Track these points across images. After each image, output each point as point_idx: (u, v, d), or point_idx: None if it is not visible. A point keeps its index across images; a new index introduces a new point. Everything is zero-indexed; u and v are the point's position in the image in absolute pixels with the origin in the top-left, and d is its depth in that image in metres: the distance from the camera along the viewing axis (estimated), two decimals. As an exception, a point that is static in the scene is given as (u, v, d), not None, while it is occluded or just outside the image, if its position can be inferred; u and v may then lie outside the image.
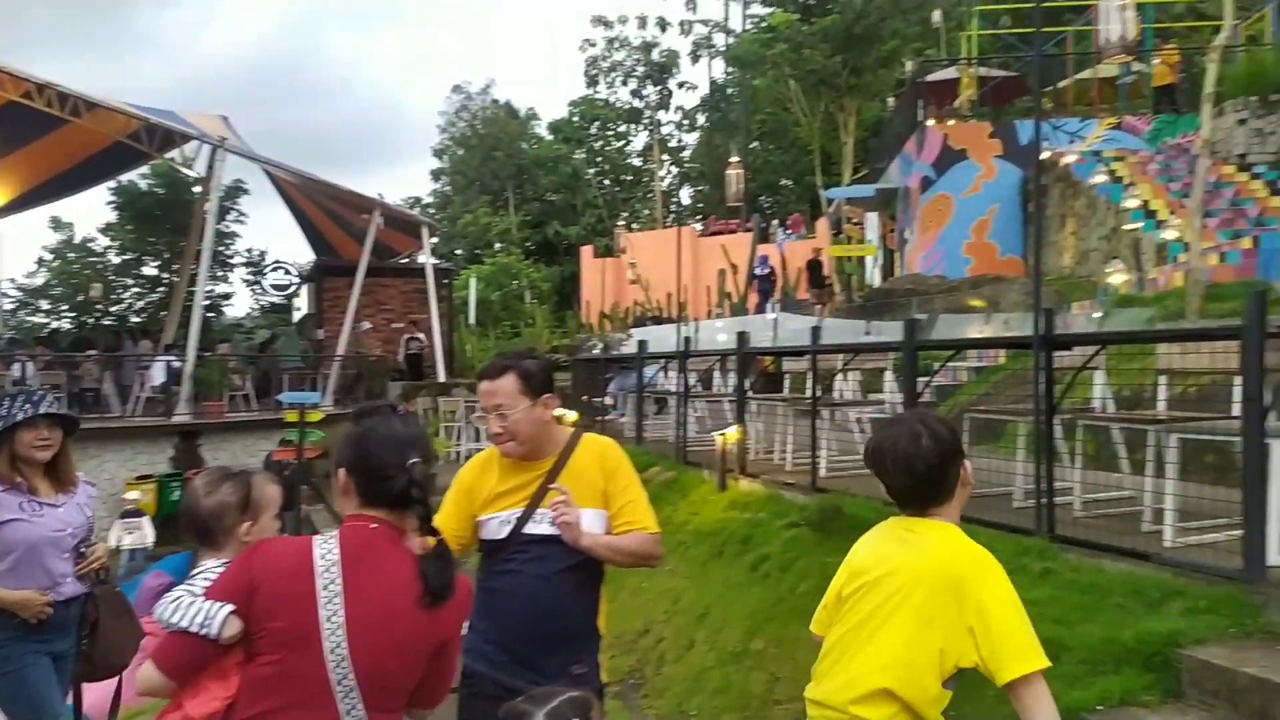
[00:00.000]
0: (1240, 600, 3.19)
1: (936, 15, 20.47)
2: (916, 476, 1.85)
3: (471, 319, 24.00)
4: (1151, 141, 15.64)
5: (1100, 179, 13.86)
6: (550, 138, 41.02)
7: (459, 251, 37.57)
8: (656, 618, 5.76)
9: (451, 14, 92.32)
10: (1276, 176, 12.77)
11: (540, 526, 2.40)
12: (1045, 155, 15.59)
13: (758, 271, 21.91)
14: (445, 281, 22.07)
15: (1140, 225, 12.29)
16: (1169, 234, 11.37)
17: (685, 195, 42.08)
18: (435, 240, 26.00)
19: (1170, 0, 21.09)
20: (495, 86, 53.40)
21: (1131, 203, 12.83)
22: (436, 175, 43.56)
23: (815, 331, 6.63)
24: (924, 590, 1.79)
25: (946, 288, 15.21)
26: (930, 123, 17.52)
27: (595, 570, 2.47)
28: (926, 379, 10.64)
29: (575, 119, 40.85)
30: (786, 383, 10.40)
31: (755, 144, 35.73)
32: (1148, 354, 5.08)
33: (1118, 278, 11.16)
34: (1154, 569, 3.54)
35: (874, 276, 21.97)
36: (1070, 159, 14.86)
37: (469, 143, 40.64)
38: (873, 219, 22.25)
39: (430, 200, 42.68)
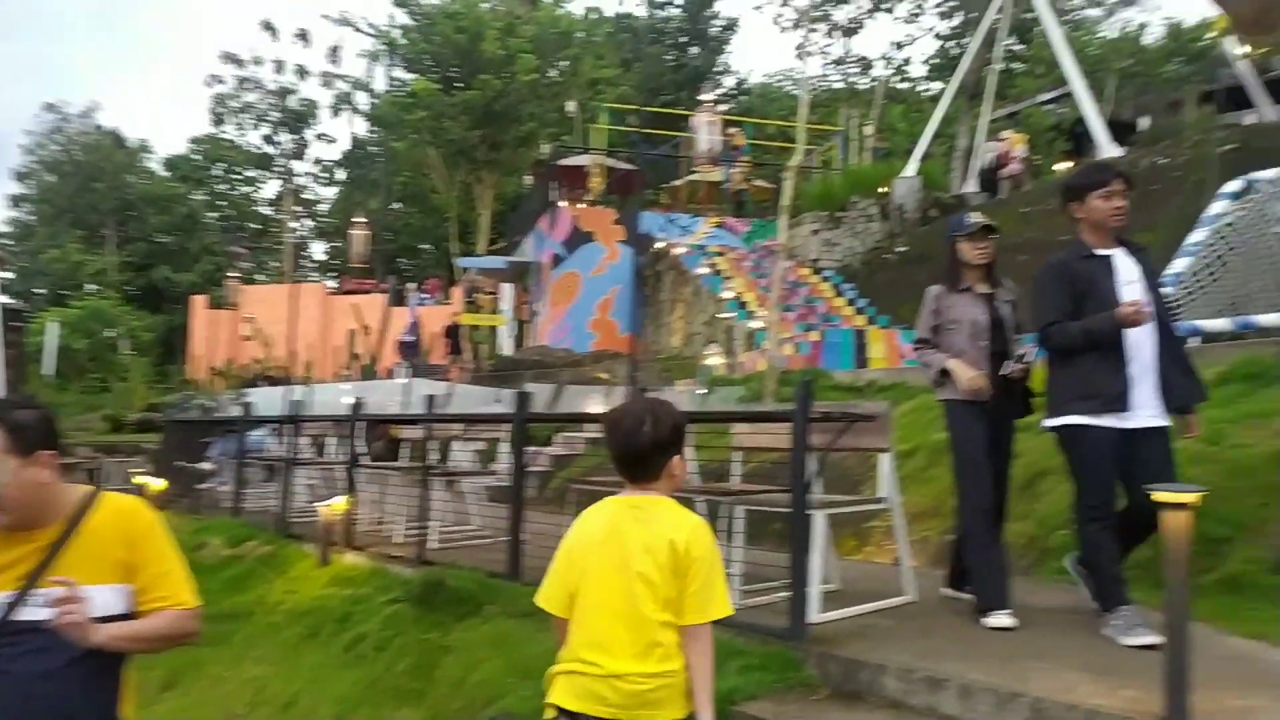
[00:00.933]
0: (786, 657, 3.56)
1: (571, 105, 21.82)
2: (633, 454, 2.14)
3: (48, 368, 20.72)
4: (747, 241, 17.77)
5: (704, 270, 15.43)
6: (165, 174, 37.29)
7: (40, 290, 32.52)
8: (237, 710, 5.19)
9: (50, 21, 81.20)
10: (841, 280, 15.11)
11: (39, 612, 2.02)
12: (660, 245, 17.12)
13: (406, 337, 21.38)
14: (16, 324, 18.90)
15: (734, 314, 13.82)
16: (756, 324, 12.89)
17: (320, 250, 40.30)
18: (10, 275, 22.26)
19: (759, 122, 24.41)
20: (100, 111, 47.64)
21: (728, 294, 14.42)
22: (17, 201, 37.64)
23: (430, 400, 6.53)
24: (643, 549, 2.07)
25: (572, 360, 15.91)
26: (563, 204, 18.47)
27: (114, 656, 2.12)
28: (545, 448, 10.94)
29: (196, 157, 37.59)
30: (407, 451, 10.13)
31: (398, 205, 35.29)
32: (724, 433, 5.62)
33: (715, 360, 12.40)
34: (718, 630, 3.85)
35: (506, 346, 22.45)
36: (681, 250, 16.40)
37: (63, 169, 35.71)
38: (508, 290, 22.82)
39: (6, 229, 36.70)
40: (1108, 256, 3.67)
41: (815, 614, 3.78)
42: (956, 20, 22.54)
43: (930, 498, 6.06)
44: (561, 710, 2.09)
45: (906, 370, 9.09)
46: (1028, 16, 17.87)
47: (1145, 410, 3.53)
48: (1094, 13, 28.78)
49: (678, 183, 20.19)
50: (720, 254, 16.20)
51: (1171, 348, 3.61)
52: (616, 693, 2.03)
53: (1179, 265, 8.57)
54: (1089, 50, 27.86)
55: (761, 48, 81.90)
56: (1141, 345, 3.52)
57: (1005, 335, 4.06)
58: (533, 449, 10.90)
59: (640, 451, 2.15)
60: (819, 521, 3.99)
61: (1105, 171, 3.75)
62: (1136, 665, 3.09)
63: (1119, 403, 3.50)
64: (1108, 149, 13.28)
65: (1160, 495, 2.60)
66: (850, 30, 21.17)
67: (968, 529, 4.06)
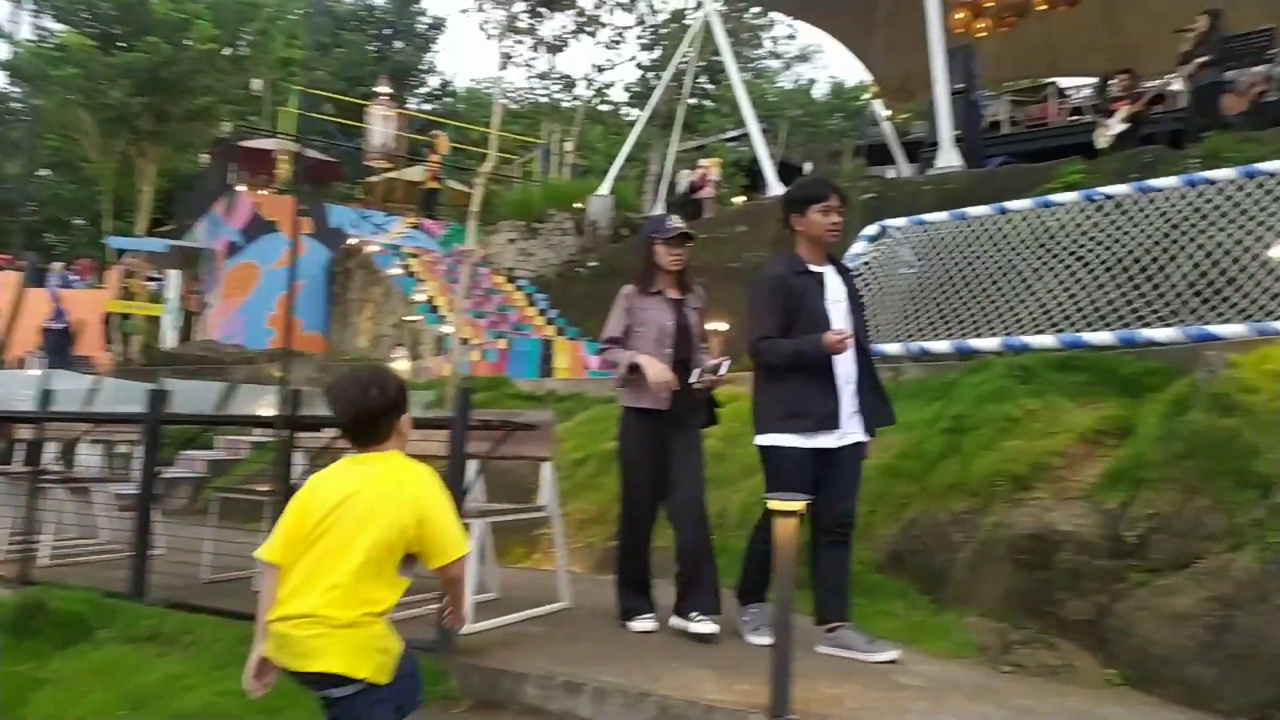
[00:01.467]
0: (432, 670, 3.46)
1: (257, 83, 20.27)
2: (364, 418, 2.25)
3: None
4: (444, 245, 17.48)
5: (396, 271, 14.94)
6: None
7: None
8: None
9: None
10: (534, 290, 15.29)
11: None
12: (351, 242, 16.35)
13: (53, 324, 18.49)
14: None
15: (424, 318, 13.50)
16: (446, 329, 12.68)
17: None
18: None
19: (464, 126, 24.21)
20: None
21: (420, 297, 14.06)
22: None
23: (47, 395, 5.68)
24: (380, 502, 2.17)
25: (243, 357, 14.70)
26: (243, 188, 17.07)
27: None
28: (204, 453, 9.96)
29: None
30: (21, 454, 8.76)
31: (46, 171, 30.76)
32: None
33: (401, 363, 12.01)
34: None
35: (170, 338, 20.29)
36: (373, 249, 15.76)
37: None
38: (175, 277, 20.65)
39: None
40: (820, 273, 3.73)
41: (467, 624, 3.72)
42: (657, 53, 23.77)
43: (598, 504, 6.24)
44: (265, 660, 2.19)
45: (588, 381, 9.35)
46: (718, 59, 19.27)
47: (849, 429, 3.65)
48: (774, 64, 31.70)
49: (374, 179, 19.43)
50: (415, 256, 15.77)
51: (870, 371, 3.75)
52: (307, 639, 2.09)
53: (826, 296, 9.58)
54: (767, 97, 30.67)
55: (471, 52, 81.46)
56: (847, 366, 3.63)
57: (690, 343, 4.08)
58: (190, 453, 9.90)
59: (371, 415, 2.27)
60: (476, 530, 3.94)
61: (825, 187, 3.78)
62: (758, 663, 3.32)
63: (829, 422, 3.58)
64: (776, 188, 14.61)
65: (772, 503, 2.83)
66: (555, 47, 21.58)
67: (621, 533, 4.13)
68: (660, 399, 3.91)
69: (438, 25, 36.58)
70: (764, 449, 3.70)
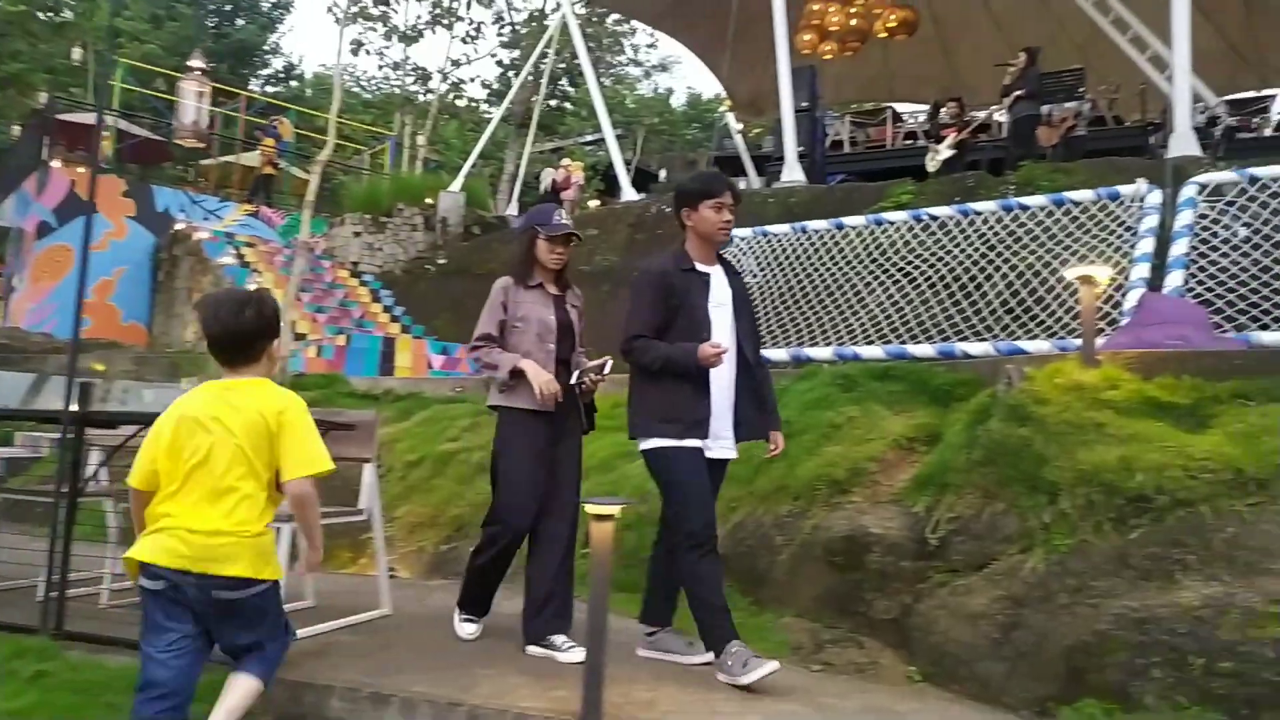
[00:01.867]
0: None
1: (77, 52, 18.80)
2: (239, 338, 2.45)
3: None
4: (284, 235, 16.69)
5: (229, 260, 14.15)
6: None
7: None
8: None
9: None
10: (380, 286, 14.80)
11: None
12: (180, 227, 15.37)
13: None
14: None
15: (259, 311, 12.83)
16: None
17: None
18: None
19: (311, 113, 23.25)
20: None
21: (252, 287, 13.35)
22: None
23: None
24: (256, 422, 2.44)
25: (52, 347, 13.55)
26: (57, 164, 15.76)
27: None
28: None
29: None
30: None
31: None
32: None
33: (229, 358, 11.35)
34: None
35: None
36: (203, 235, 14.88)
37: None
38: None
39: None
40: (706, 274, 3.53)
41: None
42: (517, 52, 23.57)
43: (431, 507, 6.07)
44: (141, 564, 2.41)
45: (428, 381, 9.11)
46: (580, 62, 19.32)
47: (720, 441, 3.45)
48: (634, 71, 32.04)
49: (208, 162, 18.36)
50: (250, 245, 14.99)
51: (750, 379, 3.53)
52: (189, 545, 2.39)
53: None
54: (626, 103, 30.96)
55: (322, 36, 78.44)
56: (720, 375, 3.41)
57: (573, 341, 3.83)
58: (-24, 450, 9.02)
59: (245, 335, 2.44)
60: (285, 535, 3.74)
61: (720, 183, 3.56)
62: (576, 669, 3.28)
63: (699, 429, 3.37)
64: (629, 193, 14.74)
65: (589, 507, 2.80)
66: (410, 37, 21.02)
67: (487, 537, 3.74)
68: (545, 403, 3.64)
69: (284, 4, 35.03)
70: (648, 454, 3.47)
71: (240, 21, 33.53)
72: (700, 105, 32.36)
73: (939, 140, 11.99)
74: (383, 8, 20.27)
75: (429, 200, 15.83)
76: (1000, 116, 12.58)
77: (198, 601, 2.42)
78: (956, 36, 18.17)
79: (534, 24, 22.17)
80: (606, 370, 3.69)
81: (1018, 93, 11.34)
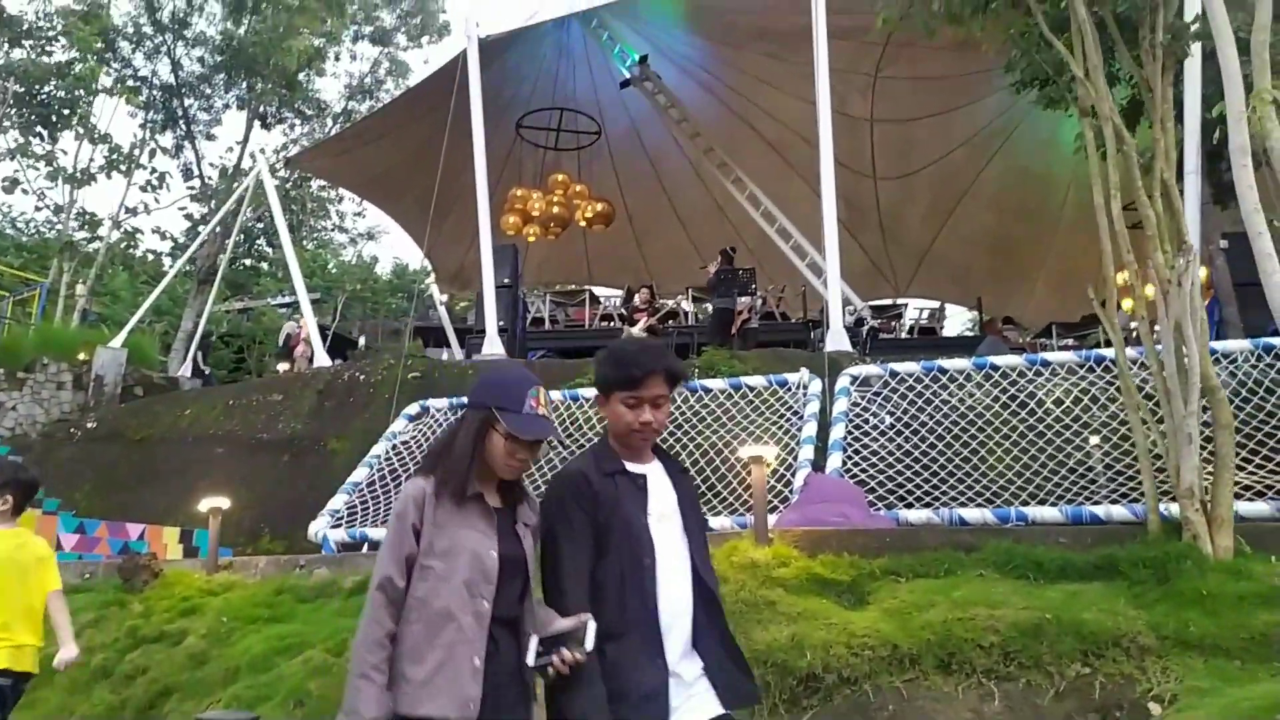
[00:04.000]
0: None
1: None
2: (28, 494, 4.30)
3: None
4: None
5: None
6: None
7: None
8: None
9: None
10: (7, 451, 12.64)
11: None
12: None
13: None
14: None
15: None
16: None
17: None
18: None
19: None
20: None
21: None
22: None
23: None
24: (28, 557, 4.09)
25: None
26: None
27: None
28: None
29: None
30: None
31: None
32: None
33: None
34: None
35: None
36: None
37: None
38: None
39: None
40: (641, 475, 2.52)
41: None
42: (208, 208, 22.36)
43: (29, 728, 4.93)
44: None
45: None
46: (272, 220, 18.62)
47: (690, 706, 2.32)
48: (340, 236, 31.54)
49: None
50: None
51: (711, 615, 2.46)
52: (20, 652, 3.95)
53: (359, 474, 9.12)
54: (328, 268, 30.24)
55: (-18, 173, 70.45)
56: (679, 608, 2.40)
57: (523, 586, 2.44)
58: None
59: (34, 490, 4.25)
60: None
61: (639, 367, 2.48)
62: None
63: (653, 705, 2.28)
64: (321, 358, 14.05)
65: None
66: (78, 180, 19.24)
67: None
68: (466, 708, 2.22)
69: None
70: None
71: None
72: (406, 275, 32.32)
73: (632, 323, 12.67)
74: (48, 146, 18.50)
75: (82, 356, 14.06)
76: (687, 305, 13.62)
77: None
78: (648, 231, 19.77)
79: (227, 180, 21.26)
80: (588, 640, 2.21)
81: (714, 286, 12.39)
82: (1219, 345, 7.53)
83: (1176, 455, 3.90)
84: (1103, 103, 4.24)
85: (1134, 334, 5.58)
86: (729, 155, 15.94)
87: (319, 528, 8.23)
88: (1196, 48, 6.84)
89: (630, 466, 2.53)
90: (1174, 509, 4.31)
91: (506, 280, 13.39)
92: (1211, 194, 9.68)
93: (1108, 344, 11.98)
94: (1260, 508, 5.53)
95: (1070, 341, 13.49)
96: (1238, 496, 4.72)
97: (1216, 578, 3.49)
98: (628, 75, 15.88)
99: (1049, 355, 8.96)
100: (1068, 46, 4.55)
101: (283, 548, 8.89)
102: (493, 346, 12.44)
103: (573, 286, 20.31)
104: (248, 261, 28.69)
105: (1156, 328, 4.45)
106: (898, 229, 18.42)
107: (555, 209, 17.21)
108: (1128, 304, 7.66)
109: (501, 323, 12.79)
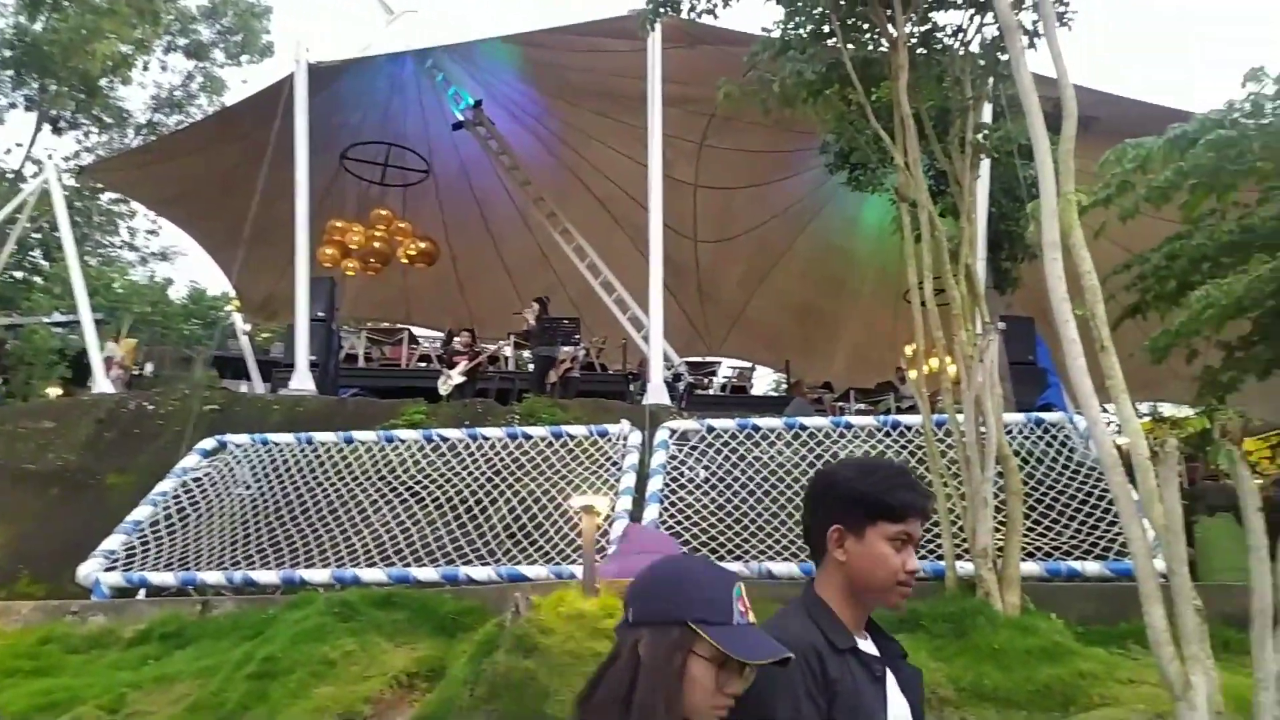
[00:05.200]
0: None
1: None
2: None
3: None
4: None
5: None
6: None
7: None
8: None
9: None
10: None
11: None
12: None
13: None
14: None
15: None
16: None
17: None
18: None
19: None
20: None
21: None
22: None
23: None
24: None
25: None
26: None
27: None
28: None
29: None
30: None
31: None
32: None
33: None
34: None
35: None
36: None
37: None
38: None
39: None
40: (879, 661, 1.79)
41: None
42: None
43: None
44: None
45: None
46: (58, 234, 16.94)
47: None
48: (129, 255, 29.12)
49: None
50: None
51: None
52: None
53: (141, 512, 8.36)
54: (114, 287, 27.83)
55: None
56: None
57: None
58: None
59: None
60: None
61: (909, 491, 1.75)
62: None
63: None
64: (102, 384, 12.88)
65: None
66: None
67: None
68: None
69: None
70: None
71: None
72: (204, 300, 30.21)
73: (451, 365, 12.42)
74: None
75: None
76: (508, 351, 13.50)
77: None
78: (472, 274, 19.53)
79: (6, 184, 19.27)
80: None
81: (532, 333, 12.35)
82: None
83: (973, 517, 4.24)
84: (920, 191, 4.64)
85: (931, 404, 6.06)
86: (558, 206, 16.09)
87: (90, 570, 7.47)
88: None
89: (861, 644, 1.76)
90: (968, 568, 4.67)
91: (321, 313, 12.83)
92: (993, 280, 10.71)
93: (899, 410, 12.92)
94: (1032, 568, 6.09)
95: (863, 406, 14.40)
96: (1025, 558, 5.18)
97: (1007, 633, 3.80)
98: (460, 118, 15.77)
99: (851, 419, 9.55)
100: (890, 137, 4.95)
101: (44, 591, 7.96)
102: (302, 381, 11.84)
103: (390, 325, 19.70)
104: (18, 274, 25.95)
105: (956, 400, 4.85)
106: (715, 290, 19.14)
107: (376, 244, 16.72)
108: (913, 374, 8.31)
109: (314, 357, 12.21)
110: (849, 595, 1.73)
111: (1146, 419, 12.45)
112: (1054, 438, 8.56)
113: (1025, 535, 6.44)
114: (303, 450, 9.12)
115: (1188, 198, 9.40)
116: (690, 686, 1.45)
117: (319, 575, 7.34)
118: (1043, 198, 3.83)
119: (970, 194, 4.46)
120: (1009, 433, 8.00)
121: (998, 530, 4.37)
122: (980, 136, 4.32)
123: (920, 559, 6.78)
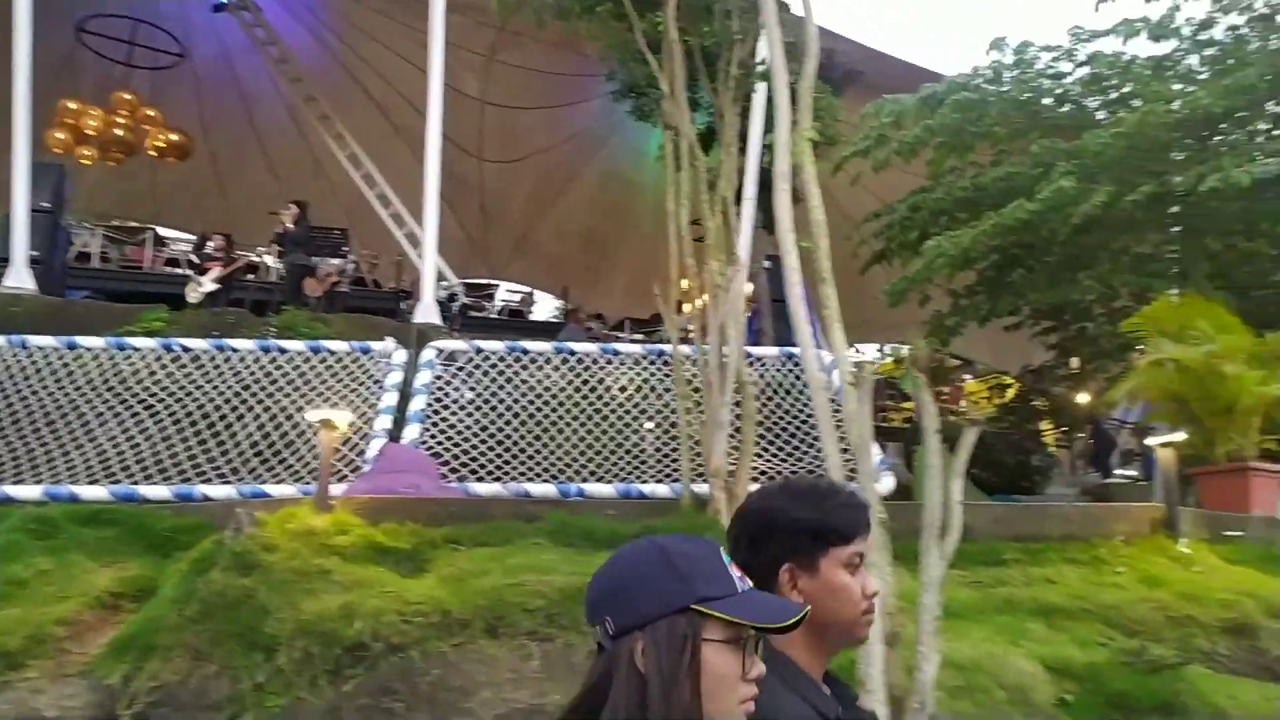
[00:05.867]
0: None
1: None
2: None
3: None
4: None
5: None
6: None
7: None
8: None
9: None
10: None
11: None
12: None
13: None
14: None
15: None
16: None
17: None
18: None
19: None
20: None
21: None
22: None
23: None
24: None
25: None
26: None
27: None
28: None
29: None
30: None
31: None
32: None
33: None
34: None
35: None
36: None
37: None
38: None
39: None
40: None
41: None
42: None
43: None
44: None
45: None
46: None
47: None
48: None
49: None
50: None
51: None
52: None
53: None
54: None
55: None
56: None
57: None
58: None
59: None
60: None
61: (857, 508, 1.63)
62: None
63: None
64: None
65: None
66: None
67: None
68: None
69: None
70: None
71: None
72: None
73: (203, 272, 11.46)
74: None
75: None
76: (269, 260, 12.64)
77: None
78: (233, 175, 18.02)
79: None
80: None
81: (288, 240, 11.55)
82: (755, 350, 8.73)
83: (710, 440, 4.44)
84: (683, 120, 4.69)
85: (689, 334, 6.29)
86: (332, 109, 15.08)
87: None
88: (762, 86, 7.86)
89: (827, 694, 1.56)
90: (705, 488, 4.91)
91: (46, 204, 11.39)
92: (762, 219, 11.16)
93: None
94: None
95: (639, 336, 14.76)
96: (754, 480, 5.51)
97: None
98: (224, -1, 14.35)
99: (619, 346, 9.73)
100: (660, 64, 4.97)
101: None
102: (19, 279, 10.51)
103: (134, 224, 17.88)
104: None
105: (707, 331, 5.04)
106: (500, 212, 18.78)
107: (118, 131, 15.00)
108: (687, 308, 8.61)
109: (36, 252, 10.85)
110: (814, 641, 1.53)
111: (889, 359, 13.59)
112: (803, 371, 9.13)
113: (768, 460, 6.85)
114: (14, 354, 8.14)
115: (933, 154, 10.24)
116: (713, 683, 1.19)
117: (29, 491, 6.61)
118: (777, 130, 3.98)
119: (730, 128, 4.59)
120: (763, 364, 8.43)
121: (732, 453, 4.62)
122: (742, 72, 4.43)
123: (659, 481, 7.05)
